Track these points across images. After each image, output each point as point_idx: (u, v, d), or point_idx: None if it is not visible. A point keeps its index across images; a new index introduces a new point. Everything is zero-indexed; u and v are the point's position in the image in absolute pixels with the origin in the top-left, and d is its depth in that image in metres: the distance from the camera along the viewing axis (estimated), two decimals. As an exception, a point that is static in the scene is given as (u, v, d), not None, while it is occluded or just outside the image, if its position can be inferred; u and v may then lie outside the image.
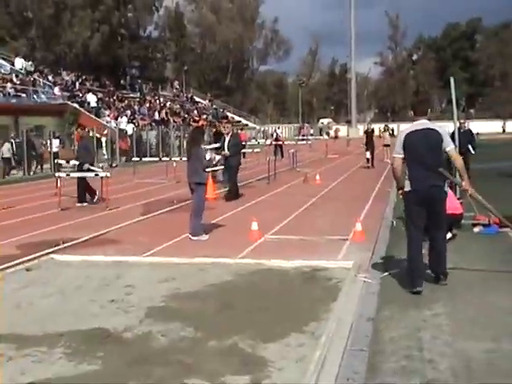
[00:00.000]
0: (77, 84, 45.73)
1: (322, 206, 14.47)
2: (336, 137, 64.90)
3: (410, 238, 6.96)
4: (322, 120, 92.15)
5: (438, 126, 7.12)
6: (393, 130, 33.18)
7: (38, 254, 9.27)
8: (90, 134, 31.75)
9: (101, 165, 29.40)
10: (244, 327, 5.76)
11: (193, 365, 4.92)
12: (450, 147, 6.95)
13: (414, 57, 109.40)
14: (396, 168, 7.06)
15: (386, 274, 7.54)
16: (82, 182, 15.71)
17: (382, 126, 68.03)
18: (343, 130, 77.97)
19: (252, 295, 6.86)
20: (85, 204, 15.41)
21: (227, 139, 16.08)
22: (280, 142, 35.68)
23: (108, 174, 15.24)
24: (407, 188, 6.89)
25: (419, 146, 6.83)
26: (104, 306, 6.59)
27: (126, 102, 47.45)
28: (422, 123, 7.00)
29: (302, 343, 5.35)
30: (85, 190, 15.72)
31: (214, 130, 27.88)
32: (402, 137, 6.99)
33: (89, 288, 7.40)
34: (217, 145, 17.54)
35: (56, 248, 9.82)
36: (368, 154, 26.93)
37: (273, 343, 5.36)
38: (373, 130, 28.66)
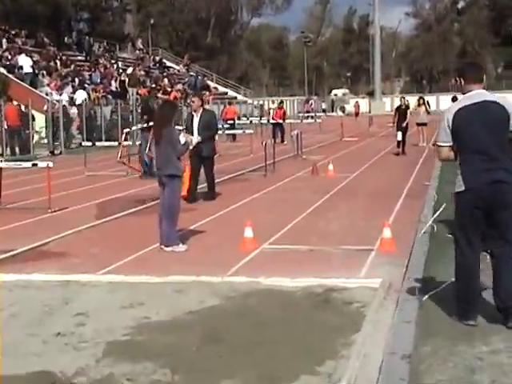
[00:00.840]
0: (3, 42, 45.56)
1: (338, 206, 14.51)
2: (356, 114, 64.54)
3: (460, 257, 6.71)
4: (335, 91, 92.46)
5: (499, 97, 6.82)
6: (428, 104, 32.11)
7: (-44, 272, 9.23)
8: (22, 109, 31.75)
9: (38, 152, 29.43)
10: (236, 368, 5.75)
11: (169, 419, 4.92)
12: None
13: (460, 4, 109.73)
14: (444, 160, 6.97)
15: (426, 296, 7.55)
16: None
17: (414, 98, 68.56)
18: (363, 105, 77.96)
19: (246, 325, 6.86)
20: None
21: (196, 119, 15.38)
22: (280, 121, 35.77)
23: (50, 164, 15.19)
24: (459, 188, 6.62)
25: (475, 127, 6.54)
26: (48, 342, 6.56)
27: (72, 66, 47.30)
28: (478, 94, 6.71)
29: (315, 389, 5.36)
30: None
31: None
32: (449, 116, 6.67)
33: (27, 317, 7.37)
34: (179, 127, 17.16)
35: (-19, 263, 9.78)
36: (399, 136, 26.82)
37: (276, 389, 5.37)
38: (407, 106, 28.51)
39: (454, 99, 9.17)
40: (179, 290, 8.18)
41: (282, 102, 40.42)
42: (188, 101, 49.42)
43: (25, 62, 42.27)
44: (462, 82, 6.84)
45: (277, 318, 7.01)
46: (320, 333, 6.54)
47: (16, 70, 41.31)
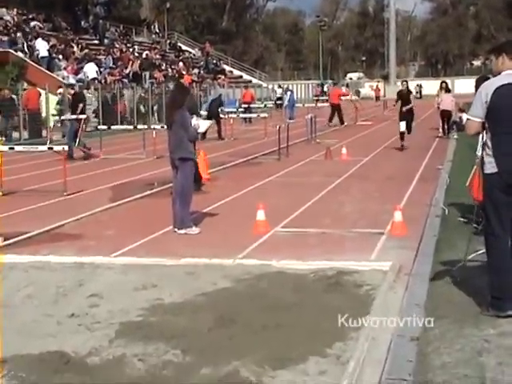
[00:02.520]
0: (21, 26, 45.58)
1: (350, 189, 14.52)
2: (377, 97, 63.97)
3: (494, 241, 6.54)
4: (350, 75, 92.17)
5: None
6: (448, 89, 28.86)
7: (-27, 254, 9.32)
8: (42, 93, 31.86)
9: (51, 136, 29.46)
10: (247, 349, 5.79)
11: (179, 399, 4.96)
12: None
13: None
14: (473, 135, 6.79)
15: (436, 279, 7.57)
16: None
17: (428, 82, 67.61)
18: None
19: (257, 307, 6.90)
20: None
21: None
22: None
23: (65, 148, 15.27)
24: (490, 169, 6.47)
25: None
26: (62, 323, 6.63)
27: (87, 50, 47.30)
28: None
29: (323, 370, 5.39)
30: None
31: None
32: (487, 92, 6.43)
33: (41, 298, 7.44)
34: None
35: (-3, 245, 9.87)
36: (402, 126, 23.09)
37: (285, 370, 5.40)
38: (409, 90, 24.69)
39: (485, 79, 8.22)
40: (192, 273, 8.23)
41: (249, 82, 40.65)
42: (203, 84, 49.54)
43: (41, 46, 42.27)
44: (505, 59, 6.57)
45: (288, 301, 7.03)
46: (330, 315, 6.54)
47: (33, 54, 41.37)
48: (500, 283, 6.49)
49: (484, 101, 6.45)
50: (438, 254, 8.75)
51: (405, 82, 25.35)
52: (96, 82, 40.17)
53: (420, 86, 70.14)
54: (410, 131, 23.91)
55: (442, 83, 29.02)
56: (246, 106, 40.12)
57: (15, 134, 30.01)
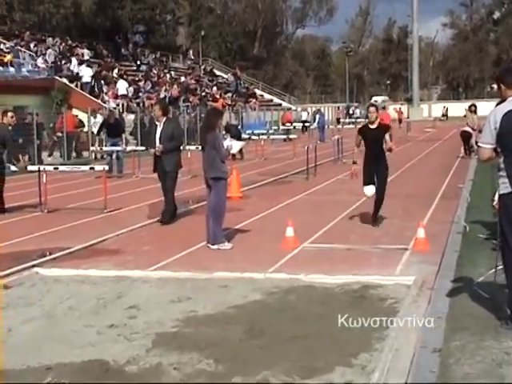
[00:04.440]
0: (66, 54, 46.14)
1: (376, 207, 14.43)
2: (400, 120, 63.50)
3: (509, 255, 6.47)
4: (375, 98, 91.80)
5: None
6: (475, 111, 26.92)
7: (18, 268, 9.39)
8: (80, 117, 32.36)
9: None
10: (276, 359, 5.79)
11: (212, 406, 4.97)
12: None
13: (496, 15, 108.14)
14: (486, 161, 6.72)
15: (457, 294, 7.51)
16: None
17: (451, 104, 67.02)
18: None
19: (286, 319, 6.90)
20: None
21: (159, 128, 13.28)
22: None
23: (106, 167, 15.39)
24: (504, 190, 6.46)
25: None
26: (102, 333, 6.67)
27: (125, 75, 47.64)
28: None
29: (349, 380, 5.37)
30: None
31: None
32: (496, 118, 6.44)
33: (83, 310, 7.50)
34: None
35: (41, 260, 9.94)
36: (369, 191, 12.44)
37: (312, 379, 5.39)
38: (384, 126, 13.66)
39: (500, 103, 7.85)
40: (224, 286, 8.24)
41: (280, 105, 42.33)
42: (235, 107, 49.87)
43: (85, 73, 42.81)
44: (503, 88, 6.62)
45: (315, 313, 7.02)
46: (356, 327, 6.55)
47: (77, 80, 41.85)
48: None
49: (493, 127, 6.44)
50: (459, 269, 8.69)
51: (373, 107, 12.74)
52: (124, 98, 40.68)
53: (447, 109, 69.99)
54: (382, 198, 12.37)
55: (471, 106, 27.49)
56: (287, 127, 43.42)
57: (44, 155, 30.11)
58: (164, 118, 13.31)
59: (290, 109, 48.19)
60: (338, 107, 72.80)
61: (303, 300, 7.58)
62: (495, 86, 6.94)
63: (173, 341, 6.34)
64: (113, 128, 24.12)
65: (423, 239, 10.04)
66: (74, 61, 44.09)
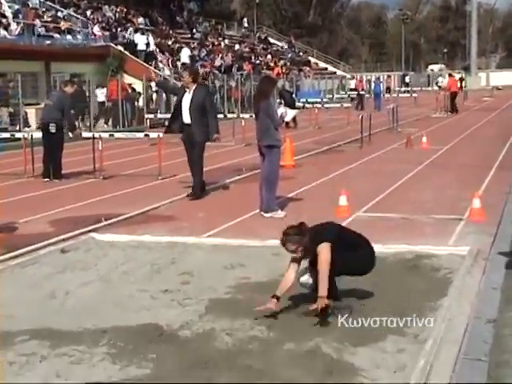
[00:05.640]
0: (122, 21, 46.37)
1: (430, 177, 14.31)
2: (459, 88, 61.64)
3: None
4: (431, 66, 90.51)
5: None
6: None
7: (75, 233, 9.56)
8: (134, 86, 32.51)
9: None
10: (328, 327, 5.81)
11: (264, 371, 5.00)
12: None
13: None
14: None
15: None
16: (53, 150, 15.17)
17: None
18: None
19: (338, 287, 6.87)
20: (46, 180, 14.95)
21: (188, 96, 12.58)
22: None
23: (161, 135, 15.47)
24: None
25: None
26: (156, 297, 6.76)
27: (178, 44, 47.69)
28: None
29: (401, 348, 5.36)
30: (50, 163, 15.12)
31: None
32: None
33: (137, 274, 7.61)
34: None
35: (97, 225, 10.09)
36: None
37: (364, 347, 5.39)
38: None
39: None
40: (277, 254, 8.21)
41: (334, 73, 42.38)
42: (289, 76, 49.58)
43: (140, 40, 42.98)
44: None
45: (368, 282, 6.98)
46: (409, 297, 6.52)
47: (132, 48, 42.05)
48: None
49: None
50: (516, 239, 8.57)
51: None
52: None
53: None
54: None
55: None
56: (356, 92, 42.31)
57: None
58: (194, 85, 12.64)
59: (353, 77, 47.54)
60: (389, 76, 71.56)
61: (356, 269, 7.54)
62: None
63: (226, 307, 6.39)
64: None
65: (479, 209, 9.90)
66: (130, 29, 44.28)
